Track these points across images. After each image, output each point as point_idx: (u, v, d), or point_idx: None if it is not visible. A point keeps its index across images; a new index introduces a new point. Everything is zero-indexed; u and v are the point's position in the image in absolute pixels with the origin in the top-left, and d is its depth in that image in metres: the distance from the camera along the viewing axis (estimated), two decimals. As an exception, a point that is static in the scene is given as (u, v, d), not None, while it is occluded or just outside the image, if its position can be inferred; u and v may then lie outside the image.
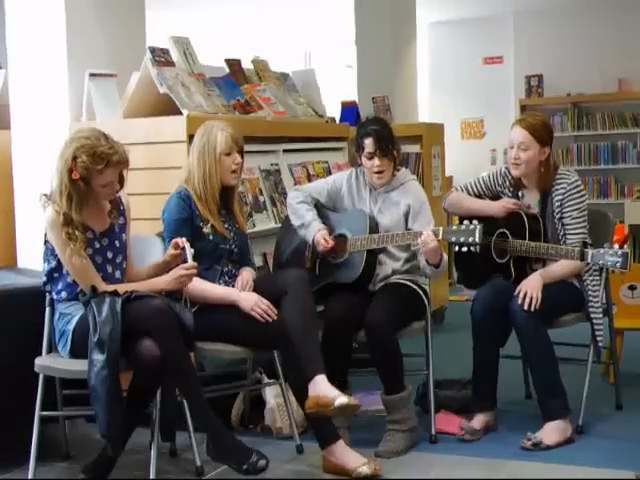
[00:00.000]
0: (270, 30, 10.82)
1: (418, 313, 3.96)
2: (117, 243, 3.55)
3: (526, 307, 3.77)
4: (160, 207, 3.75)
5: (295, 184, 4.76)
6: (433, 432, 3.89)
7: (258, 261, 4.34)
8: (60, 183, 3.37)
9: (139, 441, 3.56)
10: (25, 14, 4.45)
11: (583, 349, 4.07)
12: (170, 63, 4.33)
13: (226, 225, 3.79)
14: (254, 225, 4.43)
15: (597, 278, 4.01)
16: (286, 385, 3.81)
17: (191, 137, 3.87)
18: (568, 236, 3.96)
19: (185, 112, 4.13)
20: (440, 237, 3.72)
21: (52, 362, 3.45)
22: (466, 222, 3.70)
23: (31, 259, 4.26)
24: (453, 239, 3.71)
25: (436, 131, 6.70)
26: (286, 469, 3.63)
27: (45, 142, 4.35)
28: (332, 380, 3.48)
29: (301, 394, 3.51)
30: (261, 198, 4.61)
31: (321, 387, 3.43)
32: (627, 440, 3.85)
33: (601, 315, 4.01)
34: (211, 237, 3.72)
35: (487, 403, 3.97)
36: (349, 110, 6.70)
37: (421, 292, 3.97)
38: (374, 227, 3.96)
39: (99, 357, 3.18)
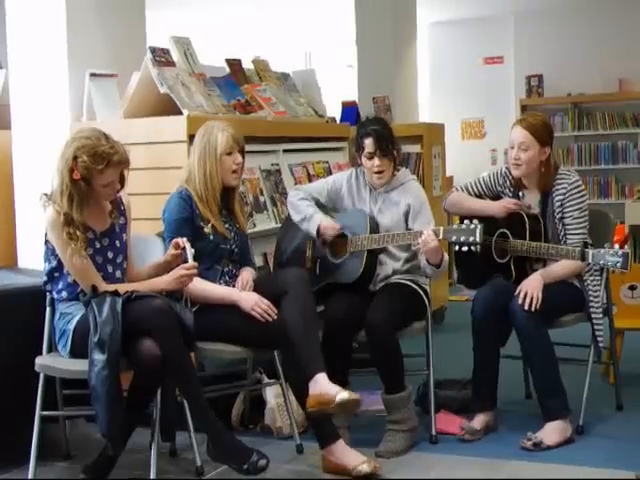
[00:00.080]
0: (270, 30, 10.82)
1: (418, 313, 3.96)
2: (118, 243, 3.55)
3: (526, 307, 3.77)
4: (161, 207, 3.75)
5: (295, 184, 4.76)
6: (433, 432, 3.89)
7: (258, 261, 4.34)
8: (61, 183, 3.37)
9: (139, 441, 3.56)
10: (25, 14, 4.45)
11: (583, 349, 4.07)
12: (170, 63, 4.33)
13: (227, 225, 3.80)
14: (254, 225, 4.43)
15: (597, 278, 4.01)
16: (286, 385, 3.82)
17: (192, 137, 3.87)
18: (569, 236, 3.96)
19: (185, 112, 4.13)
20: (440, 237, 3.72)
21: (52, 362, 3.45)
22: (466, 222, 3.70)
23: (31, 259, 4.26)
24: (453, 238, 3.71)
25: (436, 131, 6.70)
26: (286, 469, 3.63)
27: (45, 142, 4.35)
28: (332, 380, 3.48)
29: (301, 394, 3.51)
30: (261, 198, 4.61)
31: (322, 385, 3.44)
32: (627, 440, 3.85)
33: (601, 315, 4.01)
34: (212, 237, 3.72)
35: (487, 403, 3.98)
36: (349, 110, 6.70)
37: (421, 292, 3.97)
38: (374, 227, 3.96)
39: (100, 357, 3.18)
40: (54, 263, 3.46)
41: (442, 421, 4.01)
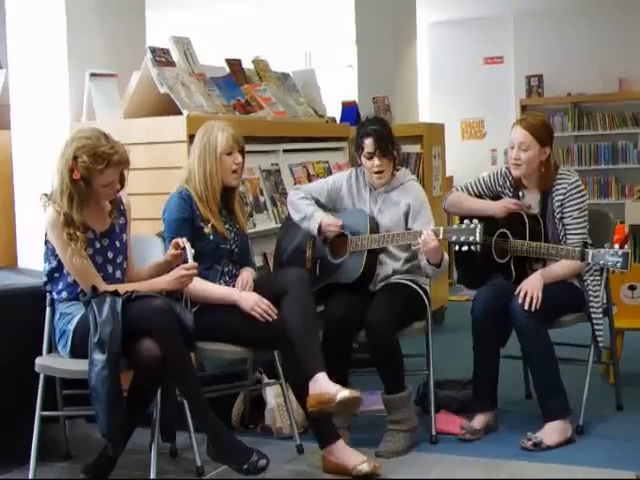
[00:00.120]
0: (270, 30, 10.82)
1: (418, 313, 3.96)
2: (117, 243, 3.55)
3: (526, 307, 3.77)
4: (160, 207, 3.75)
5: (295, 184, 4.76)
6: (433, 432, 3.89)
7: (258, 261, 4.34)
8: (61, 183, 3.37)
9: (139, 441, 3.56)
10: (25, 14, 4.45)
11: (583, 349, 4.07)
12: (170, 63, 4.33)
13: (227, 225, 3.80)
14: (254, 225, 4.43)
15: (597, 278, 4.01)
16: (286, 385, 3.82)
17: (191, 137, 3.87)
18: (568, 236, 3.96)
19: (185, 112, 4.13)
20: (440, 236, 3.72)
21: (52, 362, 3.45)
22: (466, 221, 3.70)
23: (31, 259, 4.26)
24: (453, 238, 3.71)
25: (436, 131, 6.70)
26: (286, 469, 3.63)
27: (45, 142, 4.35)
28: (332, 380, 3.48)
29: (301, 393, 3.51)
30: (261, 198, 4.61)
31: (322, 384, 3.44)
32: (627, 440, 3.85)
33: (601, 315, 4.01)
34: (212, 237, 3.72)
35: (487, 403, 3.97)
36: (349, 110, 6.70)
37: (421, 292, 3.97)
38: (374, 227, 3.96)
39: (100, 357, 3.18)
40: (54, 263, 3.45)
41: (442, 421, 4.01)
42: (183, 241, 3.51)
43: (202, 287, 3.62)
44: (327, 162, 5.26)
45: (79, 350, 3.32)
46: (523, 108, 10.44)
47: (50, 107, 4.43)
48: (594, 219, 4.10)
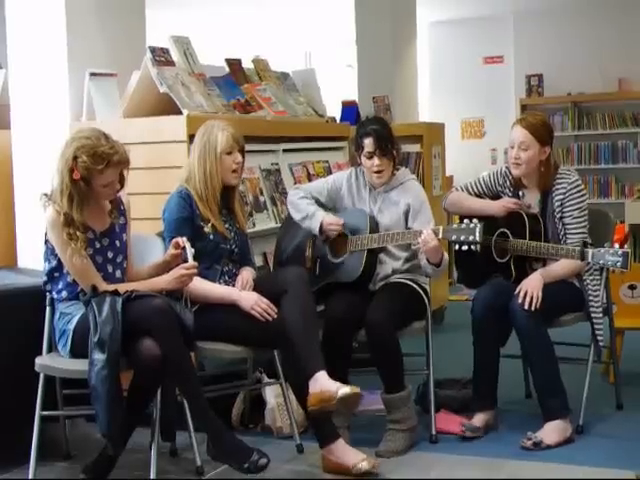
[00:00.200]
0: (270, 30, 10.82)
1: (418, 313, 3.96)
2: (117, 243, 3.55)
3: (526, 306, 3.77)
4: (160, 207, 3.75)
5: (295, 184, 4.76)
6: (433, 432, 3.89)
7: (258, 261, 4.34)
8: (61, 183, 3.37)
9: (139, 441, 3.56)
10: (25, 14, 4.45)
11: (583, 349, 4.07)
12: (170, 63, 4.33)
13: (227, 225, 3.80)
14: (254, 225, 4.43)
15: (597, 278, 4.01)
16: (286, 385, 3.82)
17: (191, 137, 3.87)
18: (568, 236, 3.96)
19: (185, 112, 4.13)
20: (440, 236, 3.72)
21: (52, 362, 3.45)
22: (466, 221, 3.70)
23: (31, 259, 4.26)
24: (453, 238, 3.71)
25: (436, 131, 6.70)
26: (286, 469, 3.63)
27: (45, 142, 4.35)
28: (332, 379, 3.48)
29: (301, 393, 3.51)
30: (261, 198, 4.61)
31: (322, 383, 3.44)
32: (627, 440, 3.85)
33: (601, 315, 4.01)
34: (212, 237, 3.72)
35: (487, 402, 3.97)
36: (349, 110, 6.70)
37: (421, 292, 3.97)
38: (374, 226, 3.96)
39: (99, 357, 3.18)
40: (54, 263, 3.46)
41: (442, 420, 4.01)
42: (183, 240, 3.51)
43: (202, 287, 3.62)
44: (327, 162, 5.26)
45: (79, 350, 3.32)
46: (523, 108, 10.44)
47: (50, 107, 4.43)
48: (594, 219, 4.10)
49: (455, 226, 3.74)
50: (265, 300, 3.58)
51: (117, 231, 3.56)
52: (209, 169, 3.69)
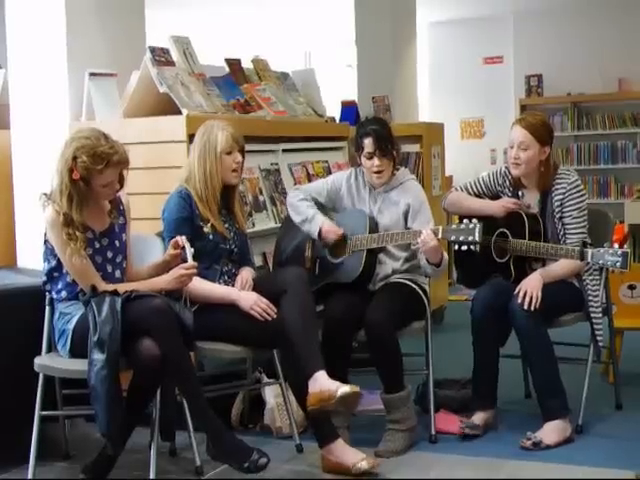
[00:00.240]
0: (270, 30, 10.82)
1: (418, 313, 3.96)
2: (117, 243, 3.55)
3: (526, 306, 3.77)
4: (160, 207, 3.75)
5: (295, 184, 4.77)
6: (433, 432, 3.89)
7: (258, 261, 4.34)
8: (60, 183, 3.37)
9: (139, 441, 3.56)
10: (25, 14, 4.45)
11: (583, 349, 4.07)
12: (170, 63, 4.33)
13: (226, 225, 3.80)
14: (254, 225, 4.43)
15: (597, 278, 4.01)
16: (286, 385, 3.82)
17: (191, 137, 3.87)
18: (568, 236, 3.96)
19: (185, 112, 4.13)
20: (440, 236, 3.72)
21: (52, 362, 3.45)
22: (466, 221, 3.70)
23: (31, 259, 4.26)
24: (453, 238, 3.71)
25: (436, 131, 6.70)
26: (286, 469, 3.63)
27: (45, 142, 4.35)
28: (332, 379, 3.48)
29: (301, 393, 3.51)
30: (261, 198, 4.61)
31: (322, 382, 3.44)
32: (627, 440, 3.85)
33: (601, 315, 4.01)
34: (211, 237, 3.72)
35: (487, 402, 3.98)
36: (349, 110, 6.69)
37: (421, 292, 3.97)
38: (374, 227, 3.96)
39: (99, 357, 3.18)
40: (53, 263, 3.46)
41: (441, 420, 4.01)
42: (182, 239, 3.51)
43: (201, 286, 3.62)
44: (326, 162, 5.26)
45: (78, 350, 3.32)
46: (523, 108, 10.44)
47: (50, 107, 4.43)
48: (593, 219, 4.10)
49: (454, 226, 3.74)
50: (264, 300, 3.59)
51: (116, 231, 3.56)
52: (209, 169, 3.69)
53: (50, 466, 3.69)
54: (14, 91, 4.53)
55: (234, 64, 4.89)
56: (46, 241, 3.45)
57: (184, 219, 3.67)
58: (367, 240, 3.91)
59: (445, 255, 3.87)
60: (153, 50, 4.25)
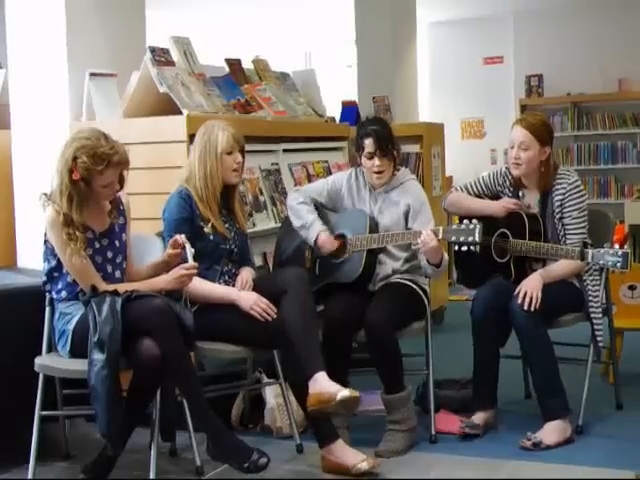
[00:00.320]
0: (270, 30, 10.82)
1: (418, 313, 3.96)
2: (117, 243, 3.55)
3: (526, 307, 3.77)
4: (160, 207, 3.75)
5: (295, 184, 4.77)
6: (433, 432, 3.89)
7: (258, 261, 4.34)
8: (60, 183, 3.37)
9: (139, 441, 3.56)
10: (25, 14, 4.45)
11: (583, 349, 4.07)
12: (170, 63, 4.33)
13: (227, 225, 3.80)
14: (254, 225, 4.43)
15: (597, 278, 4.01)
16: (286, 385, 3.82)
17: (191, 137, 3.87)
18: (568, 236, 3.96)
19: (185, 112, 4.13)
20: (440, 236, 3.72)
21: (52, 362, 3.45)
22: (466, 221, 3.70)
23: (31, 259, 4.26)
24: (453, 238, 3.71)
25: (436, 131, 6.70)
26: (286, 469, 3.63)
27: (45, 142, 4.35)
28: (332, 380, 3.47)
29: (301, 393, 3.51)
30: (261, 198, 4.62)
31: (322, 384, 3.44)
32: (627, 440, 3.85)
33: (601, 315, 4.01)
34: (211, 237, 3.72)
35: (487, 402, 3.98)
36: (349, 110, 6.70)
37: (421, 292, 3.97)
38: (374, 227, 3.96)
39: (99, 357, 3.18)
40: (53, 263, 3.45)
41: (442, 421, 4.01)
42: (182, 238, 3.50)
43: (202, 287, 3.62)
44: (327, 162, 5.26)
45: (78, 350, 3.32)
46: (523, 108, 10.44)
47: (50, 107, 4.43)
48: (594, 219, 4.10)
49: (455, 227, 3.74)
50: (265, 300, 3.59)
51: (117, 231, 3.56)
52: (209, 169, 3.69)
53: (50, 466, 3.69)
54: (14, 91, 4.53)
55: (234, 64, 4.89)
56: (46, 241, 3.45)
57: (184, 219, 3.67)
58: (367, 240, 3.91)
59: (445, 255, 3.87)
60: (153, 50, 4.25)
